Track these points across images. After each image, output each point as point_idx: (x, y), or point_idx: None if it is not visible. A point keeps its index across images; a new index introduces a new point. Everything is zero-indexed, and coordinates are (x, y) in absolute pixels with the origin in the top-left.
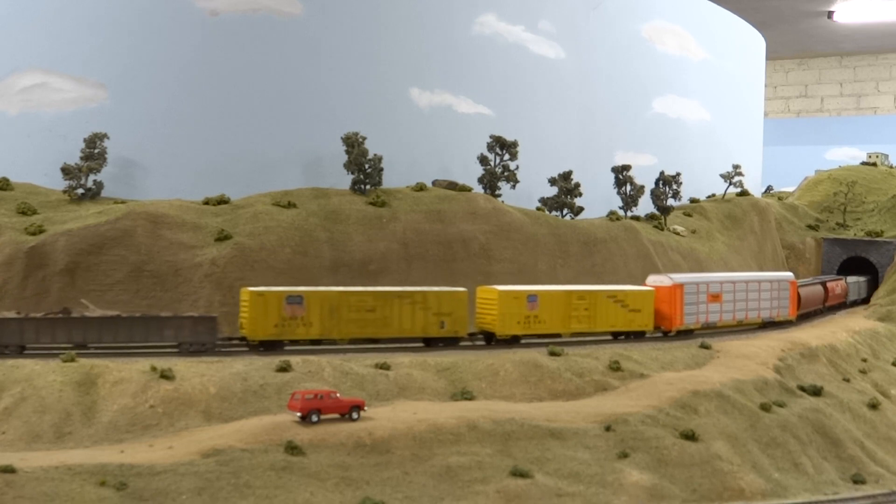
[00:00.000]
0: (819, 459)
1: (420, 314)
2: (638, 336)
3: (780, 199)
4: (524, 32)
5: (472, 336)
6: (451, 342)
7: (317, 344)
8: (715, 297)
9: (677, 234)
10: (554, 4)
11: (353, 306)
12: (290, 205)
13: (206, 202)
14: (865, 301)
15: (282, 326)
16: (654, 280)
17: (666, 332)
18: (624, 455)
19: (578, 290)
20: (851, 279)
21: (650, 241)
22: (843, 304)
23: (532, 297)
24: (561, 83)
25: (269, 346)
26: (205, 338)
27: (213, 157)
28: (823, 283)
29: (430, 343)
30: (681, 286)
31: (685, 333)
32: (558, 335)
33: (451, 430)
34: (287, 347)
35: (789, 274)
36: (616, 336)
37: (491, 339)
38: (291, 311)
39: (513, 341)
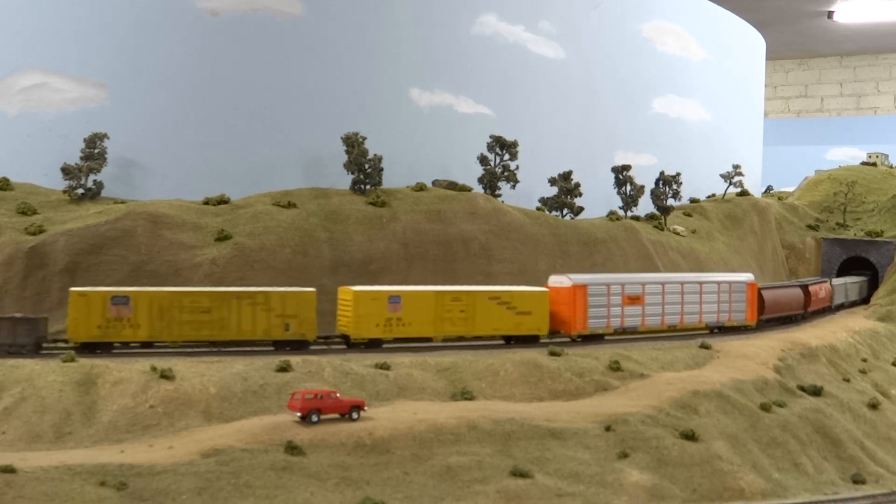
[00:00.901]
0: (819, 459)
1: (262, 316)
2: (531, 340)
3: (780, 199)
4: (524, 32)
5: (326, 339)
6: (298, 345)
7: (148, 346)
8: (634, 300)
9: (677, 234)
10: (554, 4)
11: (185, 307)
12: (290, 205)
13: (206, 202)
14: (858, 304)
15: (106, 328)
16: (555, 280)
17: (569, 337)
18: (624, 455)
19: (453, 291)
20: (838, 281)
21: (650, 241)
22: (829, 309)
23: (394, 299)
24: (561, 83)
25: (93, 349)
26: (24, 340)
27: (213, 157)
28: (804, 287)
29: (279, 346)
30: (583, 287)
31: (596, 339)
32: (428, 339)
33: (451, 430)
34: (116, 350)
35: (748, 276)
36: (508, 340)
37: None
38: (117, 311)
39: (373, 345)
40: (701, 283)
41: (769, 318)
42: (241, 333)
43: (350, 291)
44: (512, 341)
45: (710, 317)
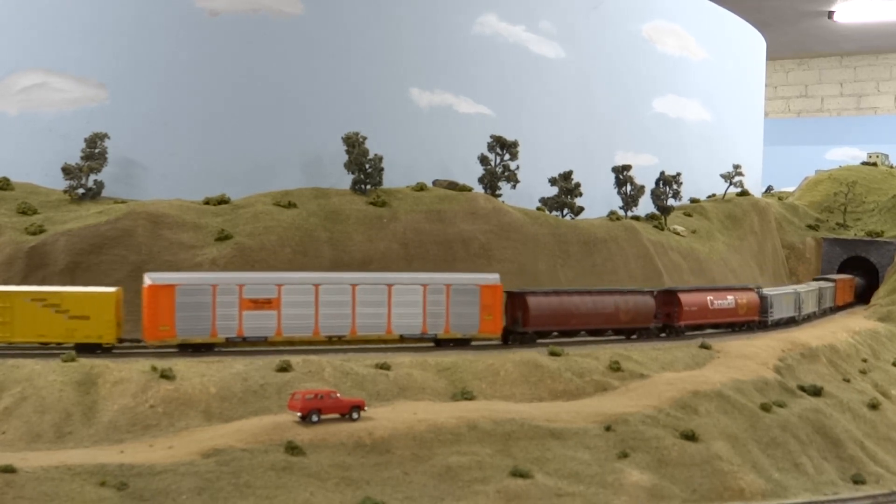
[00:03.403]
0: (819, 459)
1: None
2: (94, 349)
3: (780, 199)
4: (524, 32)
5: None
6: None
7: None
8: (262, 304)
9: (677, 234)
10: (554, 4)
11: None
12: (290, 205)
13: (206, 202)
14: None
15: None
16: (145, 279)
17: (149, 345)
18: (624, 455)
19: None
20: (774, 291)
21: (650, 241)
22: (760, 325)
23: None
24: (561, 83)
25: None
26: None
27: (213, 157)
28: (668, 294)
29: None
30: (166, 288)
31: (204, 348)
32: None
33: (452, 430)
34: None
35: (488, 276)
36: (82, 349)
37: None
38: None
39: None
40: (390, 283)
41: (548, 330)
42: None
43: None
44: (99, 350)
45: (409, 326)
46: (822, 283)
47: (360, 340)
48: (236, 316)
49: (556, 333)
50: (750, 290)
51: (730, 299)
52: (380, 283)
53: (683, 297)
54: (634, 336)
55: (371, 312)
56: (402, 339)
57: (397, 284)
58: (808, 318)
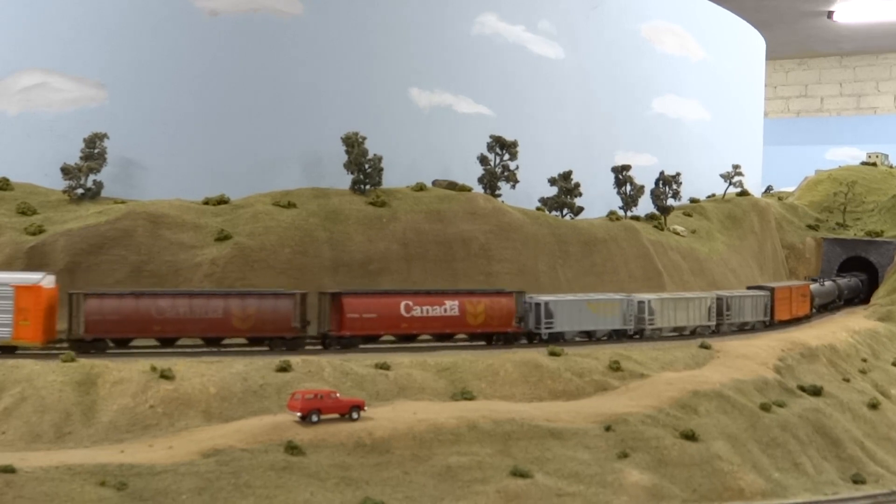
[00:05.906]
0: (819, 459)
1: None
2: None
3: (780, 199)
4: (524, 32)
5: None
6: None
7: None
8: None
9: (677, 234)
10: (554, 4)
11: None
12: (290, 205)
13: (206, 202)
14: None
15: None
16: None
17: None
18: (624, 455)
19: None
20: (579, 297)
21: (650, 241)
22: (533, 336)
23: None
24: (561, 83)
25: None
26: None
27: (213, 157)
28: (335, 297)
29: None
30: None
31: None
32: None
33: (451, 430)
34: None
35: (28, 276)
36: None
37: None
38: None
39: None
40: None
41: (121, 338)
42: None
43: None
44: None
45: None
46: (743, 292)
47: None
48: None
49: (159, 341)
50: (504, 294)
51: (449, 305)
52: None
53: (348, 302)
54: (284, 347)
55: None
56: None
57: None
58: (693, 334)
